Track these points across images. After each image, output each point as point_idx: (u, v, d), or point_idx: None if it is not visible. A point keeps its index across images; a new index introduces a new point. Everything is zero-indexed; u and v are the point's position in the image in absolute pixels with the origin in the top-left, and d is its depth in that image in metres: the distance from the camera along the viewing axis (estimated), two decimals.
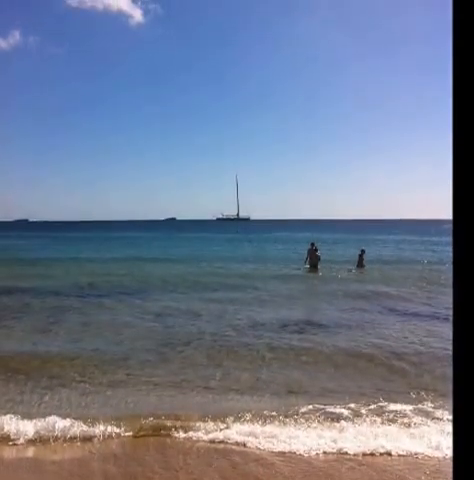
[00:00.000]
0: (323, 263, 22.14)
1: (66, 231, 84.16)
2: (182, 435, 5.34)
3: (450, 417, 4.80)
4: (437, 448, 4.96)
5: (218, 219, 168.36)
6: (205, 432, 5.38)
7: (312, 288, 17.85)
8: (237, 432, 5.35)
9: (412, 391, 6.69)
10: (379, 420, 5.69)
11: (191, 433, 5.36)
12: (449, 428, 4.95)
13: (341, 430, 5.41)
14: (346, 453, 4.97)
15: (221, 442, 5.23)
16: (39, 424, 5.45)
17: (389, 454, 4.96)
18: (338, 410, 5.96)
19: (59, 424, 5.43)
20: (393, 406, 6.09)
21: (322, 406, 6.07)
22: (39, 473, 4.77)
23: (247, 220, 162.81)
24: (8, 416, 5.63)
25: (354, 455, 4.94)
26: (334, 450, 5.02)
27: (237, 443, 5.19)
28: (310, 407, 6.04)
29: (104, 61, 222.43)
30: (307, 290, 17.28)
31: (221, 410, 6.01)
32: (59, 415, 5.64)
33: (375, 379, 7.36)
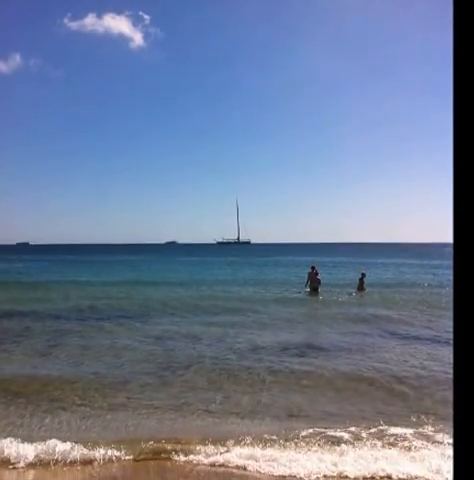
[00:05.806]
0: (324, 286, 22.17)
1: (67, 254, 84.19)
2: (182, 459, 5.33)
3: (450, 441, 4.81)
4: (438, 472, 4.95)
5: (219, 243, 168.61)
6: (205, 455, 5.37)
7: (313, 311, 17.84)
8: (237, 455, 5.34)
9: (413, 415, 6.67)
10: (379, 443, 5.68)
11: (191, 456, 5.36)
12: (450, 452, 4.96)
13: (341, 453, 5.40)
14: (346, 477, 4.97)
15: (221, 465, 5.22)
16: (39, 447, 5.44)
17: (389, 477, 4.95)
18: (338, 433, 5.95)
19: (59, 447, 5.42)
20: (393, 429, 6.07)
21: (323, 429, 6.06)
22: None
23: (247, 244, 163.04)
24: (8, 439, 5.62)
25: (354, 478, 4.94)
26: (334, 473, 5.01)
27: (237, 467, 5.19)
28: (310, 430, 6.02)
29: (104, 84, 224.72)
30: (307, 313, 17.27)
31: (221, 433, 6.00)
32: (59, 438, 5.64)
33: (376, 403, 7.34)
